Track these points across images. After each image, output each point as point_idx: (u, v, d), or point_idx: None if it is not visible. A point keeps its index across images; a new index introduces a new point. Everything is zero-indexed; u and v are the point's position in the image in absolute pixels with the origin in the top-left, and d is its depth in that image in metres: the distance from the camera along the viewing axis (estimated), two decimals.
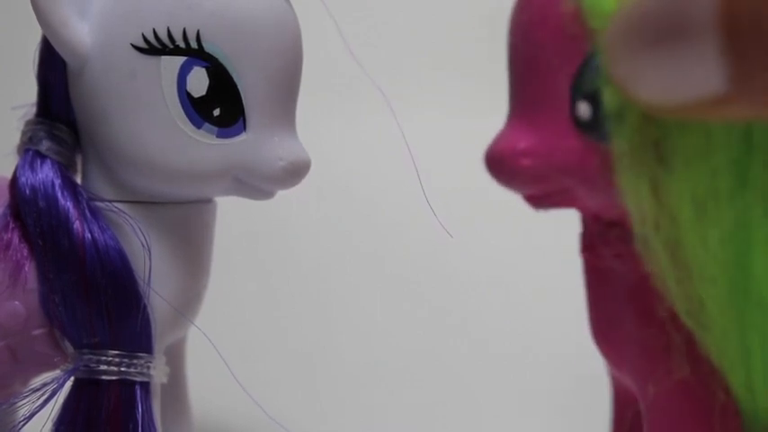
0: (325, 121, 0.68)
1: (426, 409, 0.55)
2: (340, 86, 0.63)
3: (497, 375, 0.57)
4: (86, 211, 0.35)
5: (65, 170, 0.36)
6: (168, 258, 0.37)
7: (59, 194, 0.35)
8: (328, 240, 0.68)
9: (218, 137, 0.34)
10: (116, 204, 0.36)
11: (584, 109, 0.29)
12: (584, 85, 0.28)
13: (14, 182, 0.36)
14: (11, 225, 0.36)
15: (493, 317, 0.62)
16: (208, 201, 0.39)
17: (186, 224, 0.37)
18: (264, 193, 0.36)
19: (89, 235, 0.35)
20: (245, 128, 0.35)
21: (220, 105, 0.34)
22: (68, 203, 0.35)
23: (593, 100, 0.28)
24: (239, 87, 0.34)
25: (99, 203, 0.36)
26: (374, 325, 0.62)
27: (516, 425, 0.52)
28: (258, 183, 0.35)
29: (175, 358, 0.41)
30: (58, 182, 0.36)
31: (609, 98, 0.27)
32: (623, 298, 0.31)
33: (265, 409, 0.39)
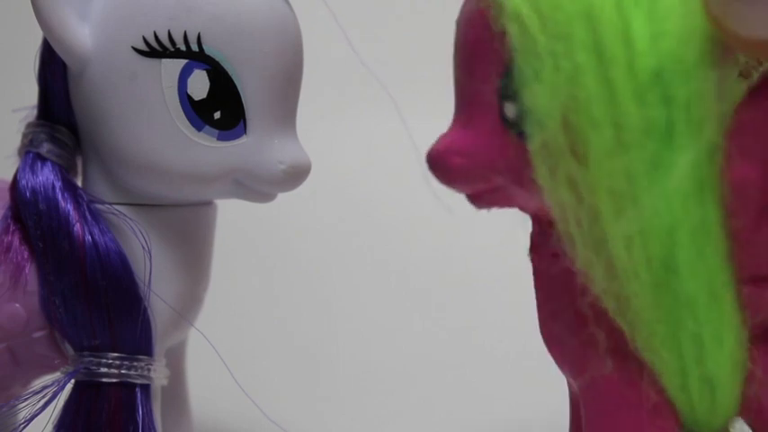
0: (329, 121, 0.68)
1: (427, 409, 0.55)
2: (344, 86, 0.63)
3: (499, 375, 0.57)
4: (87, 214, 0.35)
5: (65, 173, 0.36)
6: (169, 261, 0.37)
7: (60, 197, 0.35)
8: (331, 241, 0.68)
9: (218, 140, 0.34)
10: (116, 207, 0.36)
11: (509, 109, 0.30)
12: (509, 86, 0.29)
13: (15, 184, 0.36)
14: (11, 228, 0.36)
15: (496, 317, 0.61)
16: (208, 203, 0.39)
17: (187, 227, 0.37)
18: (265, 196, 0.36)
19: (89, 237, 0.35)
20: (245, 131, 0.35)
21: (221, 108, 0.34)
22: (69, 206, 0.35)
23: (517, 100, 0.29)
24: (240, 90, 0.34)
25: (99, 206, 0.36)
26: (376, 326, 0.62)
27: (516, 425, 0.52)
28: (258, 186, 0.35)
29: (176, 360, 0.41)
30: (58, 184, 0.36)
31: (527, 97, 0.28)
32: (557, 296, 0.32)
33: (265, 411, 0.39)
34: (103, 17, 0.34)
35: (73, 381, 0.36)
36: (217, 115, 0.34)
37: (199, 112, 0.34)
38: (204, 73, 0.34)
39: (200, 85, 0.34)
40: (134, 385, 0.35)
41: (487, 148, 0.30)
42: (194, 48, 0.34)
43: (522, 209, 0.33)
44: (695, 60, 0.27)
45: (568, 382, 0.36)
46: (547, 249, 0.32)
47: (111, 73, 0.34)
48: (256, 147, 0.35)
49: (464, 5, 0.32)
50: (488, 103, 0.30)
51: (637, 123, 0.27)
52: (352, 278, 0.66)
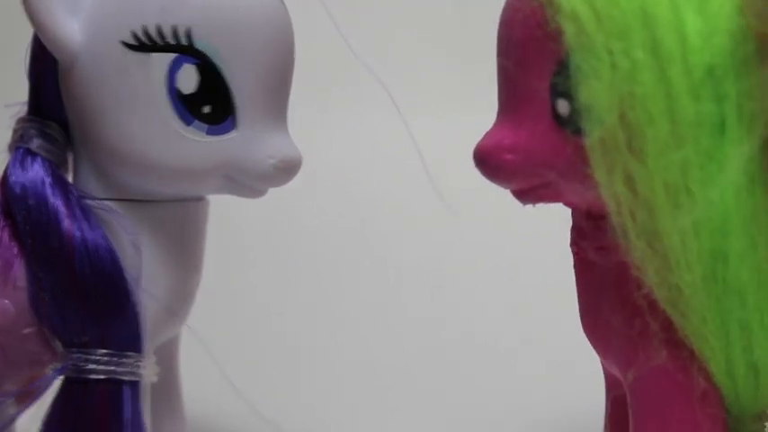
0: (330, 117, 0.68)
1: (424, 407, 0.55)
2: (344, 83, 0.63)
3: (498, 375, 0.57)
4: (77, 210, 0.35)
5: (56, 168, 0.36)
6: (159, 257, 0.37)
7: (49, 192, 0.35)
8: (329, 237, 0.68)
9: (208, 134, 0.34)
10: (106, 202, 0.36)
11: (562, 106, 0.30)
12: (562, 83, 0.30)
13: (5, 180, 0.36)
14: (1, 223, 0.36)
15: (496, 314, 0.62)
16: (200, 199, 0.38)
17: (178, 222, 0.37)
18: (255, 191, 0.36)
19: (79, 233, 0.35)
20: (235, 125, 0.34)
21: (210, 103, 0.34)
22: (58, 202, 0.35)
23: (571, 97, 0.30)
24: (230, 85, 0.34)
25: (90, 202, 0.36)
26: (374, 324, 0.62)
27: (517, 426, 0.52)
28: (248, 180, 0.35)
29: (168, 357, 0.40)
30: (48, 180, 0.35)
31: (584, 95, 0.29)
32: (606, 288, 0.33)
33: (259, 408, 0.39)
34: (93, 11, 0.34)
35: (63, 378, 0.36)
36: (206, 109, 0.34)
37: (188, 107, 0.34)
38: (194, 67, 0.34)
39: (189, 79, 0.34)
40: (122, 382, 0.35)
41: (540, 144, 0.31)
42: (184, 42, 0.33)
43: (569, 203, 0.34)
44: (746, 57, 0.28)
45: (607, 377, 0.37)
46: (593, 242, 0.32)
47: (101, 67, 0.34)
48: (246, 141, 0.35)
49: (510, 4, 0.32)
50: (540, 101, 0.31)
51: (691, 118, 0.28)
52: (349, 274, 0.66)
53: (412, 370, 0.58)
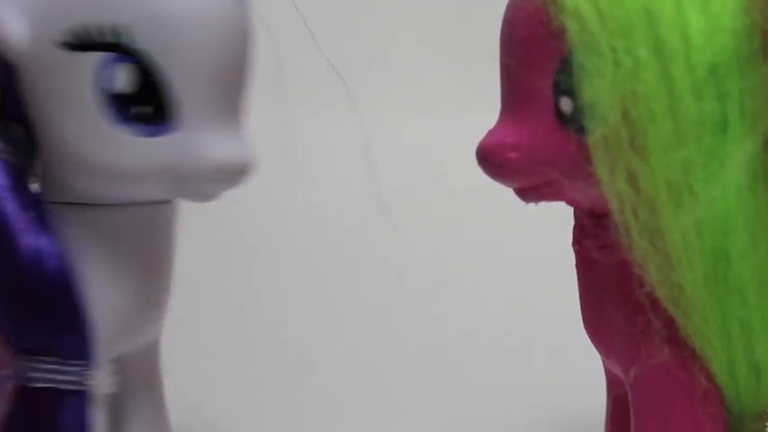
0: (326, 116, 0.67)
1: (424, 408, 0.54)
2: (337, 82, 0.62)
3: (498, 374, 0.56)
4: (31, 214, 0.35)
5: (15, 170, 0.36)
6: (112, 262, 0.36)
7: (4, 195, 0.35)
8: (327, 237, 0.68)
9: (145, 135, 0.33)
10: (52, 205, 0.35)
11: (565, 103, 0.31)
12: (565, 81, 0.30)
13: None
14: None
15: (497, 313, 0.62)
16: (162, 202, 0.37)
17: (133, 227, 0.36)
18: (202, 195, 0.35)
19: (29, 239, 0.34)
20: (175, 126, 0.33)
21: (148, 103, 0.33)
22: (10, 205, 0.35)
23: (574, 95, 0.30)
24: (168, 84, 0.33)
25: (47, 206, 0.35)
26: (374, 325, 0.62)
27: (518, 425, 0.52)
28: (191, 184, 0.34)
29: (146, 365, 0.40)
30: (3, 183, 0.35)
31: (587, 92, 0.29)
32: (608, 287, 0.33)
33: (260, 419, 0.38)
34: (35, 10, 0.33)
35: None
36: (144, 110, 0.33)
37: (125, 107, 0.33)
38: (130, 66, 0.33)
39: (125, 78, 0.33)
40: (63, 391, 0.34)
41: (543, 142, 0.31)
42: (119, 40, 0.32)
43: (571, 201, 0.34)
44: (748, 55, 0.28)
45: (608, 376, 0.37)
46: (596, 240, 0.32)
47: (42, 67, 0.33)
48: (186, 143, 0.33)
49: (513, 2, 0.32)
50: (543, 99, 0.31)
51: (694, 116, 0.28)
52: (348, 274, 0.66)
53: (413, 370, 0.58)
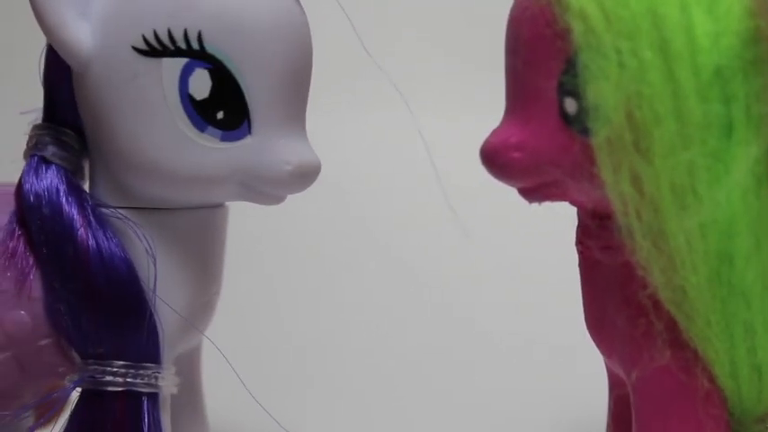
0: (342, 118, 0.67)
1: (430, 407, 0.54)
2: (356, 84, 0.63)
3: (501, 374, 0.57)
4: (92, 219, 0.35)
5: (70, 176, 0.35)
6: (177, 266, 0.36)
7: (64, 201, 0.35)
8: (336, 238, 0.68)
9: (222, 140, 0.33)
10: (121, 211, 0.35)
11: (570, 104, 0.30)
12: (569, 82, 0.30)
13: (19, 188, 0.35)
14: (17, 232, 0.35)
15: (501, 313, 0.62)
16: (218, 206, 0.38)
17: (195, 230, 0.37)
18: (273, 198, 0.35)
19: (94, 243, 0.34)
20: (249, 131, 0.34)
21: (224, 108, 0.33)
22: (73, 210, 0.34)
23: (578, 96, 0.30)
24: (243, 89, 0.33)
25: (105, 210, 0.35)
26: (389, 328, 0.62)
27: (520, 424, 0.52)
28: (264, 187, 0.35)
29: (190, 367, 0.40)
30: (62, 188, 0.35)
31: (591, 94, 0.29)
32: (611, 288, 0.33)
33: (279, 419, 0.38)
34: (104, 16, 0.34)
35: (81, 389, 0.35)
36: (220, 115, 0.33)
37: (201, 113, 0.33)
38: (206, 72, 0.33)
39: (201, 84, 0.33)
40: (140, 394, 0.34)
41: (547, 142, 0.31)
42: (195, 46, 0.33)
43: (575, 202, 0.33)
44: (754, 58, 0.28)
45: (610, 376, 0.37)
46: (599, 241, 0.32)
47: (112, 73, 0.34)
48: (261, 147, 0.34)
49: (519, 2, 0.32)
50: (548, 99, 0.31)
51: (698, 119, 0.28)
52: (356, 275, 0.66)
53: (419, 370, 0.58)
